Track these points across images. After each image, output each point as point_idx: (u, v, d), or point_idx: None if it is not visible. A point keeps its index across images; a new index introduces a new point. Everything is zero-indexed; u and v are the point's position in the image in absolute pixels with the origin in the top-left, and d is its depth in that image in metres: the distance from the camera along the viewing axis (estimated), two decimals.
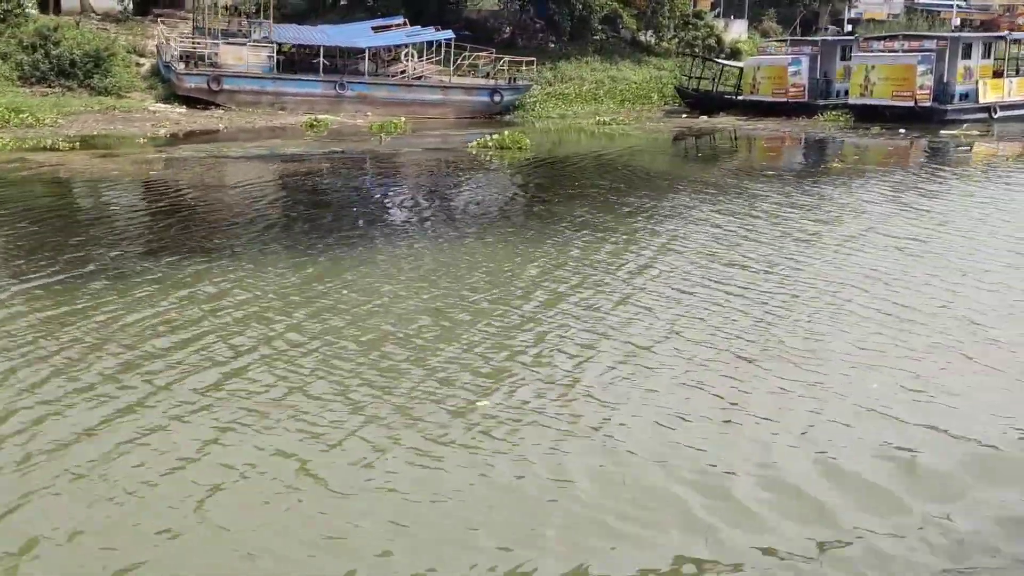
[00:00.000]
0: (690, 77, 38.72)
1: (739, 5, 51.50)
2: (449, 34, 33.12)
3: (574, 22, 41.65)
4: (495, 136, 22.38)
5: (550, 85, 39.62)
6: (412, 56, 33.10)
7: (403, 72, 33.35)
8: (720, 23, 50.21)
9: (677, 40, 46.18)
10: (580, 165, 22.11)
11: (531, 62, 35.92)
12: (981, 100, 32.59)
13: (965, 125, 28.93)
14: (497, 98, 33.73)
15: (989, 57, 33.50)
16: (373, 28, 34.45)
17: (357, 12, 39.00)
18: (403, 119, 31.53)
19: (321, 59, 31.22)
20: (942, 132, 28.46)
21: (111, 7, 36.36)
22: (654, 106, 39.04)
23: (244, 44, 30.26)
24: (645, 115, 36.89)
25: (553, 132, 30.88)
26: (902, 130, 29.04)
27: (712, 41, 45.53)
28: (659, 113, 37.80)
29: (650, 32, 45.80)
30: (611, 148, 26.15)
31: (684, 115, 36.39)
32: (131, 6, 36.51)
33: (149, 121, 26.55)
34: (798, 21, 48.66)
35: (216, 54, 29.84)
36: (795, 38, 40.43)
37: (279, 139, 24.67)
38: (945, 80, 32.48)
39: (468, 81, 34.09)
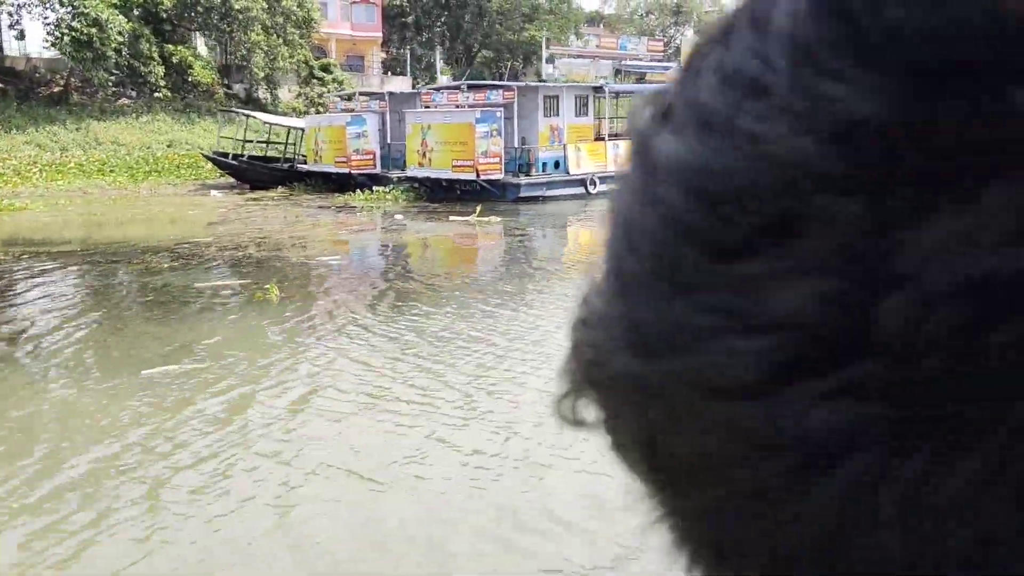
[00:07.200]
0: (243, 141, 28.81)
1: (403, 62, 42.82)
2: None
3: (109, 73, 31.61)
4: None
5: (65, 151, 29.30)
6: None
7: None
8: (375, 79, 41.39)
9: (302, 97, 37.03)
10: None
11: None
12: (573, 171, 23.76)
13: (480, 206, 19.48)
14: None
15: (586, 115, 24.85)
16: None
17: None
18: None
19: None
20: (451, 217, 19.06)
21: None
22: (202, 177, 29.11)
23: None
24: (161, 191, 26.80)
25: None
26: (399, 215, 19.61)
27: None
28: (192, 187, 27.79)
29: (263, 88, 36.27)
30: None
31: (215, 191, 26.38)
32: None
33: None
34: (467, 72, 40.03)
35: None
36: (368, 91, 31.26)
37: None
38: (523, 144, 23.59)
39: None
